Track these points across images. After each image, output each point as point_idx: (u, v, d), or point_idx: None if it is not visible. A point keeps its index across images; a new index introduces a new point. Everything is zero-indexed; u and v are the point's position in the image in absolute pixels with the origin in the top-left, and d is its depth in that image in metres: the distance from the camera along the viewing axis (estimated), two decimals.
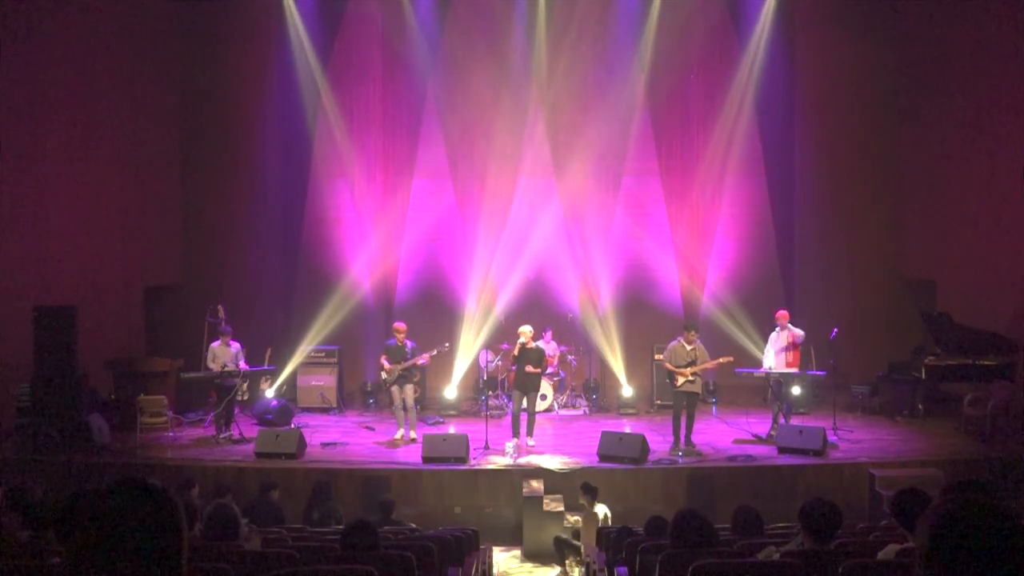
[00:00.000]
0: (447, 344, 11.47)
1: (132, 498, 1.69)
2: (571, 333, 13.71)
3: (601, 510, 8.57)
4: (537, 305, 13.86)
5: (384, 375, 11.06)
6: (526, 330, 10.81)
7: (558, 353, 13.25)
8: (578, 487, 9.04)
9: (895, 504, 4.22)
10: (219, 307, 11.85)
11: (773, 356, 10.99)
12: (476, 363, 13.29)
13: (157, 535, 1.67)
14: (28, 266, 11.30)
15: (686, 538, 4.66)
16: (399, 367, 10.91)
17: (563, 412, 12.95)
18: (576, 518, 8.98)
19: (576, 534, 8.65)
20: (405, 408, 10.97)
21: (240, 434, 11.08)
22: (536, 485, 9.51)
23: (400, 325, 11.23)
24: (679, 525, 4.76)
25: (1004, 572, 1.56)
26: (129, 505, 1.68)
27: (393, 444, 10.70)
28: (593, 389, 13.43)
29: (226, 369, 11.04)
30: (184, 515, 1.74)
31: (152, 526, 1.67)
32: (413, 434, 10.90)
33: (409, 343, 11.04)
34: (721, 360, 10.83)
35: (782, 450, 10.26)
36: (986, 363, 11.48)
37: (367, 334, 13.99)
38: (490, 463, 10.09)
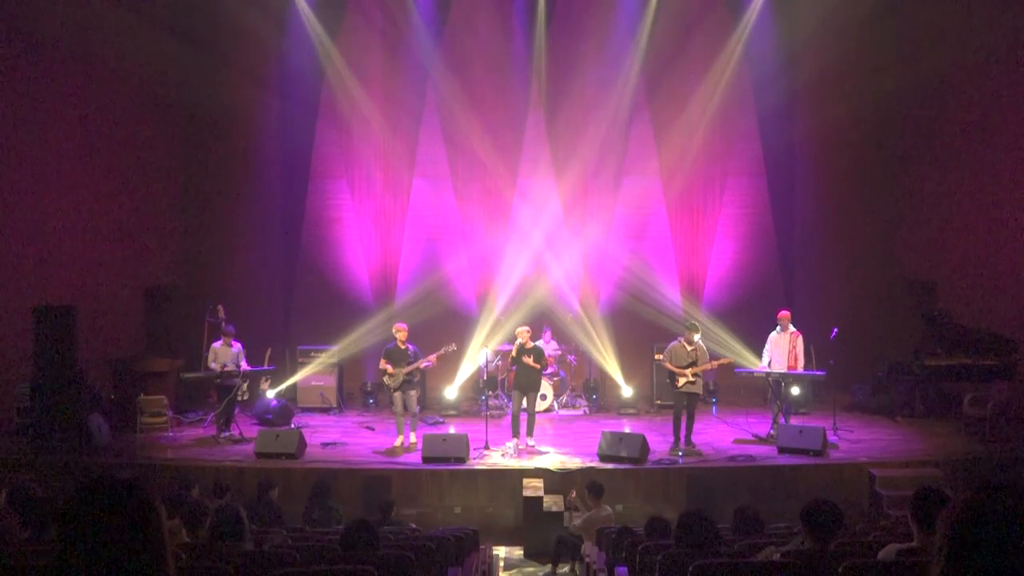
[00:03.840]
0: (454, 345, 11.35)
1: (104, 495, 1.68)
2: (571, 333, 13.71)
3: (605, 510, 8.55)
4: (537, 305, 13.86)
5: (388, 380, 10.82)
6: (523, 330, 10.81)
7: (558, 353, 13.26)
8: (577, 487, 9.03)
9: (915, 503, 4.20)
10: (219, 307, 11.85)
11: (775, 356, 10.96)
12: (477, 363, 13.27)
13: (134, 530, 1.66)
14: (28, 266, 11.30)
15: (690, 539, 4.66)
16: (403, 371, 10.77)
17: (563, 412, 12.95)
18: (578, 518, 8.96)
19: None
20: (408, 412, 10.87)
21: (240, 434, 11.08)
22: (536, 485, 9.52)
23: (401, 326, 10.96)
24: (684, 525, 4.76)
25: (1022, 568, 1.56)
26: (102, 503, 1.67)
27: (392, 452, 10.63)
28: (593, 389, 13.43)
29: (226, 369, 11.05)
30: (161, 508, 1.72)
31: (127, 522, 1.66)
32: (414, 437, 10.82)
33: (411, 346, 10.89)
34: (722, 361, 10.85)
35: (782, 450, 10.26)
36: (986, 363, 11.48)
37: (367, 334, 13.98)
38: (490, 463, 10.09)
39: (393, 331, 11.03)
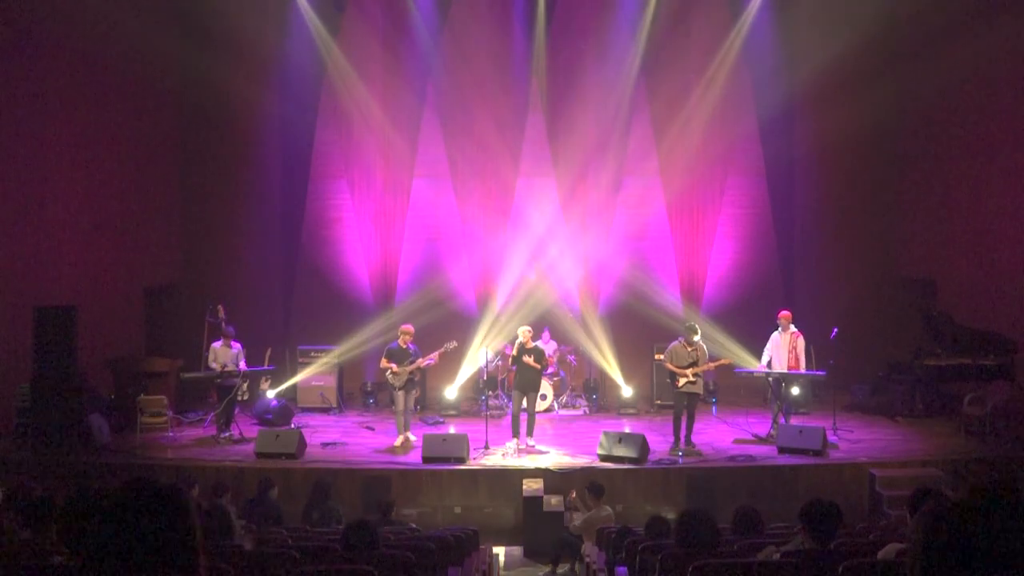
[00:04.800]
0: (455, 342, 11.37)
1: (144, 499, 1.68)
2: (571, 333, 13.71)
3: (605, 510, 8.56)
4: (537, 305, 13.85)
5: (392, 379, 10.86)
6: (525, 330, 10.83)
7: (558, 353, 13.26)
8: (577, 487, 9.03)
9: (913, 503, 4.23)
10: (219, 307, 11.85)
11: (776, 356, 10.96)
12: (477, 364, 13.26)
13: (172, 536, 1.67)
14: (28, 266, 11.30)
15: (691, 538, 4.66)
16: (407, 370, 10.82)
17: (563, 412, 12.95)
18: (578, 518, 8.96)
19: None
20: (405, 411, 10.91)
21: (240, 434, 11.08)
22: (536, 485, 9.52)
23: (408, 327, 11.05)
24: (684, 525, 4.77)
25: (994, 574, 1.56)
26: (141, 506, 1.67)
27: (393, 451, 10.65)
28: (593, 389, 13.43)
29: (226, 369, 11.05)
30: (198, 516, 1.73)
31: (166, 527, 1.67)
32: (412, 436, 10.87)
33: (411, 346, 10.97)
34: (722, 362, 10.87)
35: (782, 450, 10.26)
36: (986, 363, 11.48)
37: (368, 334, 13.97)
38: (490, 463, 10.09)
39: (399, 331, 11.08)
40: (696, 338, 10.50)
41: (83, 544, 1.66)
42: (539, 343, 12.00)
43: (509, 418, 10.99)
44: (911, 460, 10.13)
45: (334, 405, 12.97)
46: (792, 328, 10.92)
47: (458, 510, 9.67)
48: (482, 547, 8.07)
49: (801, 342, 10.87)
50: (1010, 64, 11.88)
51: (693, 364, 10.38)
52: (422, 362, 10.93)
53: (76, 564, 1.72)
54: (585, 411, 13.03)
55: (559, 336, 13.63)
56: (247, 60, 13.87)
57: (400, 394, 10.84)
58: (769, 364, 10.99)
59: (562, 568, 8.51)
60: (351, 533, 4.94)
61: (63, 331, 10.30)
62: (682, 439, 10.43)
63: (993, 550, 1.56)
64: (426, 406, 12.98)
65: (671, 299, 14.57)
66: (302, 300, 14.75)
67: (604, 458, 10.02)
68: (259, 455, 10.11)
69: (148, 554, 1.64)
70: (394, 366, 10.81)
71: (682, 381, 10.36)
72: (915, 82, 13.55)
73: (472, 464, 9.99)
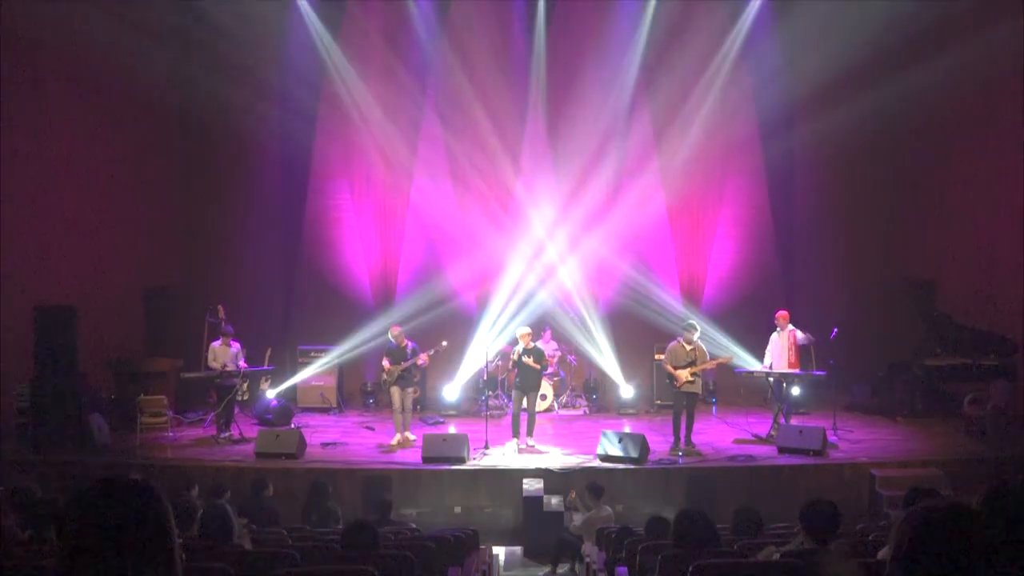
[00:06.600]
0: (445, 342, 11.42)
1: (116, 495, 1.70)
2: (571, 333, 13.71)
3: (605, 510, 8.56)
4: (537, 305, 13.85)
5: (384, 376, 11.06)
6: (524, 332, 10.83)
7: (558, 353, 13.26)
8: (577, 487, 9.03)
9: (908, 503, 4.23)
10: (219, 307, 11.85)
11: (775, 356, 10.97)
12: (477, 364, 13.25)
13: (144, 530, 1.68)
14: (28, 266, 11.30)
15: (688, 538, 4.66)
16: (399, 368, 10.91)
17: (563, 412, 12.95)
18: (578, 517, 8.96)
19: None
20: (403, 410, 10.95)
21: (240, 434, 11.08)
22: (536, 485, 9.51)
23: (395, 328, 11.26)
24: (681, 525, 4.76)
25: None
26: (113, 502, 1.68)
27: (390, 449, 10.69)
28: (593, 389, 13.43)
29: (226, 369, 11.05)
30: (170, 510, 1.74)
31: (138, 521, 1.68)
32: (412, 436, 10.89)
33: (409, 343, 11.04)
34: (721, 360, 10.87)
35: (782, 450, 10.26)
36: (986, 363, 11.48)
37: (367, 334, 13.96)
38: (490, 463, 10.09)
39: (389, 333, 11.23)
40: (695, 337, 10.50)
41: (63, 542, 1.68)
42: (539, 343, 12.00)
43: (509, 418, 11.00)
44: (911, 460, 10.14)
45: (334, 405, 12.97)
46: (789, 327, 10.93)
47: (458, 510, 9.67)
48: (482, 547, 8.06)
49: (797, 335, 10.86)
50: (1010, 65, 11.86)
51: (692, 363, 10.38)
52: (415, 361, 10.98)
53: (63, 563, 1.73)
54: (585, 411, 13.03)
55: (559, 336, 13.63)
56: (247, 60, 13.84)
57: (395, 391, 10.89)
58: (771, 365, 10.99)
59: (562, 568, 8.51)
60: (351, 533, 4.94)
61: (63, 331, 10.30)
62: (682, 439, 10.43)
63: (979, 554, 1.57)
64: (426, 406, 12.99)
65: (671, 299, 14.56)
66: (302, 300, 14.75)
67: (604, 458, 10.02)
68: (259, 455, 10.12)
69: (122, 549, 1.65)
70: (388, 364, 10.96)
71: (681, 381, 10.35)
72: (915, 82, 13.52)
73: (472, 464, 9.99)
